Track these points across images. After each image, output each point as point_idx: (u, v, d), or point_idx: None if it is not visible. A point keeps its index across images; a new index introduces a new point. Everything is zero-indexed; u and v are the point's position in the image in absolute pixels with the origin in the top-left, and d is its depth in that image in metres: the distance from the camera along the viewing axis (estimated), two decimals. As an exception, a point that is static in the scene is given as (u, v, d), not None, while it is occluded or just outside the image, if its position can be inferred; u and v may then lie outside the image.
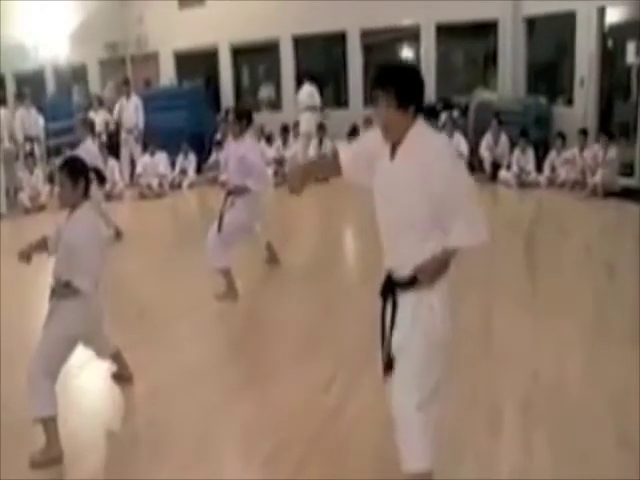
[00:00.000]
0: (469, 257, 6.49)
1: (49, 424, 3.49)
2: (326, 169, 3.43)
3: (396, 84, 2.67)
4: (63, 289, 3.56)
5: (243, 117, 5.99)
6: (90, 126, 8.18)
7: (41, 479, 3.34)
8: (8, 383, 4.13)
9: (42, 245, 3.84)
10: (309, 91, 12.10)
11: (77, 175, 3.68)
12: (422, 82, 2.74)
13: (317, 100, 12.16)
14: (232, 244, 5.86)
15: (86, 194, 3.70)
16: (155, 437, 3.67)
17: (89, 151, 7.82)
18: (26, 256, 3.76)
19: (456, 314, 4.85)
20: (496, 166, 10.81)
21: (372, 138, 2.84)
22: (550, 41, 12.01)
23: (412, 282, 2.72)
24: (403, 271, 2.73)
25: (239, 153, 5.87)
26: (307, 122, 12.06)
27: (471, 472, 3.14)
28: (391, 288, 2.79)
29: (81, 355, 3.95)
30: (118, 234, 8.35)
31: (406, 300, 2.74)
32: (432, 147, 2.67)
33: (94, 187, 7.89)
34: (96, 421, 3.97)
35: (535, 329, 4.78)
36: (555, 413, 3.62)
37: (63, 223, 3.72)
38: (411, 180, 2.64)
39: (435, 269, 2.70)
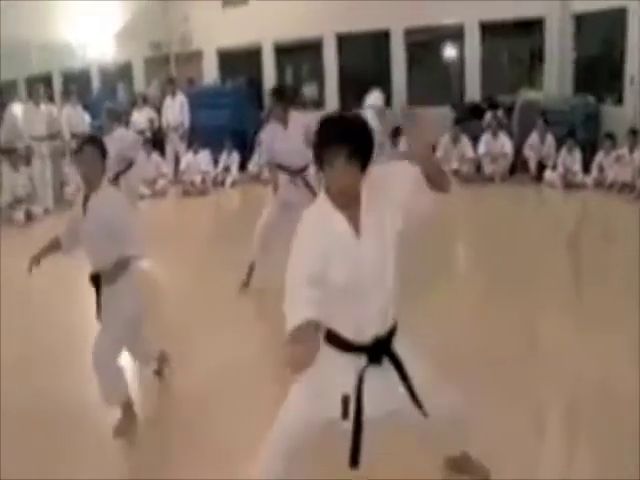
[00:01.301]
0: (512, 263, 6.45)
1: (125, 406, 3.72)
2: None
3: (356, 140, 2.36)
4: (114, 270, 3.56)
5: (282, 95, 5.96)
6: (117, 116, 8.17)
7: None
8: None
9: (55, 246, 3.85)
10: (376, 95, 12.22)
11: (103, 154, 3.71)
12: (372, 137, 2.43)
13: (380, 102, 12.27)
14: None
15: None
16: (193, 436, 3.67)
17: (123, 139, 7.89)
18: (35, 261, 3.76)
19: (499, 318, 4.87)
20: (541, 166, 10.63)
21: (313, 245, 2.38)
22: (599, 38, 11.73)
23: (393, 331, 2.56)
24: (384, 328, 2.52)
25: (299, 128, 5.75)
26: (371, 120, 12.11)
27: (515, 472, 3.09)
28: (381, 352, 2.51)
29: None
30: None
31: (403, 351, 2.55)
32: (379, 189, 2.42)
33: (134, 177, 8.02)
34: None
35: (580, 334, 4.66)
36: (600, 416, 3.55)
37: (79, 214, 3.70)
38: (385, 250, 2.45)
39: None
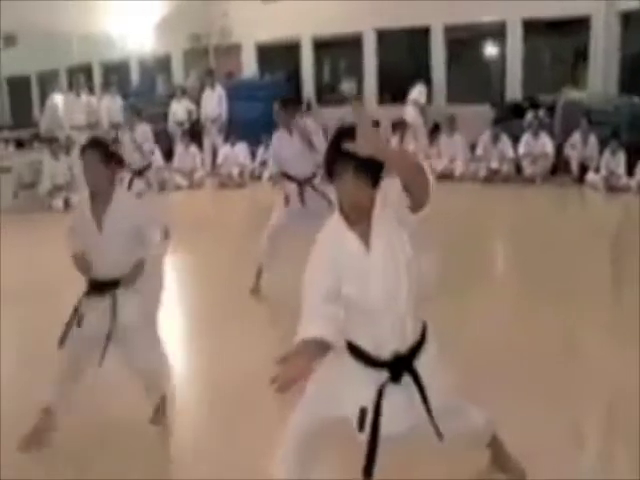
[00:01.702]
0: (551, 267, 6.31)
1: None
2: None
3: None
4: (134, 272, 3.41)
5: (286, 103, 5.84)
6: (138, 112, 8.36)
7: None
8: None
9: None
10: (420, 90, 12.31)
11: (107, 158, 3.45)
12: None
13: (423, 97, 12.37)
14: None
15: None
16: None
17: (145, 133, 8.08)
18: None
19: (539, 325, 4.77)
20: (583, 168, 10.43)
21: (326, 263, 2.37)
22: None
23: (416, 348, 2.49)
24: (404, 344, 2.45)
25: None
26: (411, 116, 12.24)
27: (551, 476, 3.03)
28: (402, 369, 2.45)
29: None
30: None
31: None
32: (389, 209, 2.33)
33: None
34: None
35: (618, 339, 4.51)
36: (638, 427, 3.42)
37: (90, 229, 3.43)
38: (397, 265, 2.35)
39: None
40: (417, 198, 2.22)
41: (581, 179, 10.33)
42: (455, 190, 10.54)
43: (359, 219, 2.36)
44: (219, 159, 11.96)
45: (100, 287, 3.45)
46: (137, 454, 3.47)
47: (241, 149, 11.80)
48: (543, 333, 4.65)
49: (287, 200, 5.76)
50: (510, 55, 12.78)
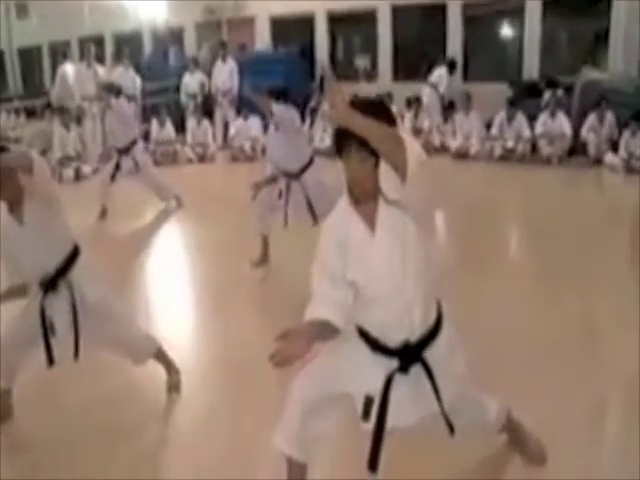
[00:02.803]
0: (568, 249, 6.18)
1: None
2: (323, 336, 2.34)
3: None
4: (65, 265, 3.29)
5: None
6: (117, 90, 7.93)
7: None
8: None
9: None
10: (441, 74, 12.19)
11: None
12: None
13: (443, 81, 12.22)
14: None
15: None
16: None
17: (121, 107, 7.73)
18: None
19: (555, 309, 4.66)
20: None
21: (332, 247, 2.30)
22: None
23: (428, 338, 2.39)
24: (413, 334, 2.35)
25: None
26: (427, 96, 12.16)
27: (571, 461, 2.97)
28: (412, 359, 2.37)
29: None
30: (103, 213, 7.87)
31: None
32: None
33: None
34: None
35: (637, 322, 4.34)
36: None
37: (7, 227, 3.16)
38: (404, 248, 2.25)
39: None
40: (399, 170, 2.11)
41: (599, 160, 10.15)
42: (470, 169, 10.42)
43: (364, 199, 2.27)
44: (231, 132, 11.83)
45: (52, 283, 3.29)
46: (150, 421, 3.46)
47: (254, 122, 11.65)
48: (559, 317, 4.56)
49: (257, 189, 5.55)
50: (528, 34, 12.52)
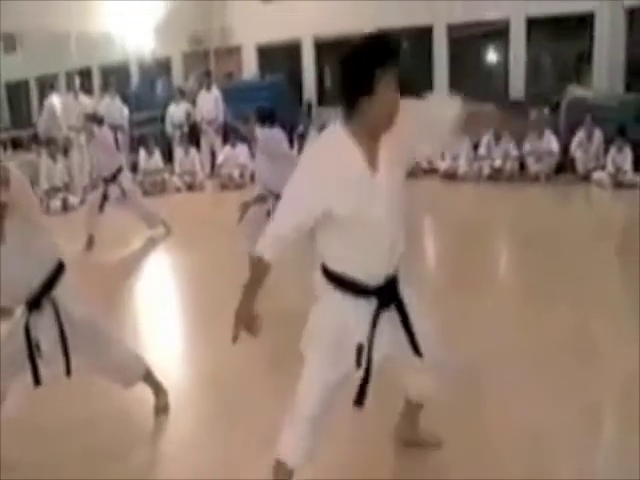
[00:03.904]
0: (558, 265, 6.16)
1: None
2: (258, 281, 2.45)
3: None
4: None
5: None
6: (100, 120, 7.87)
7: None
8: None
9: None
10: None
11: None
12: None
13: None
14: None
15: None
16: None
17: (105, 137, 7.69)
18: None
19: (546, 323, 4.63)
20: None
21: (313, 181, 2.30)
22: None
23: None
24: (392, 266, 2.48)
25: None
26: None
27: (565, 471, 2.97)
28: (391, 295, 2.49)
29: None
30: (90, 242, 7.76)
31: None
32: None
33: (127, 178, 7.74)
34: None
35: (628, 338, 4.31)
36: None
37: None
38: (398, 184, 2.39)
39: None
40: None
41: (587, 177, 10.15)
42: (459, 189, 10.41)
43: (378, 136, 2.29)
44: (220, 160, 11.81)
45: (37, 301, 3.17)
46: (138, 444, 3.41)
47: (241, 150, 11.65)
48: (550, 330, 4.55)
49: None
50: (513, 54, 12.62)
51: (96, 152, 7.88)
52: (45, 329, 3.17)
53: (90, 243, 7.68)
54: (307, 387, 2.50)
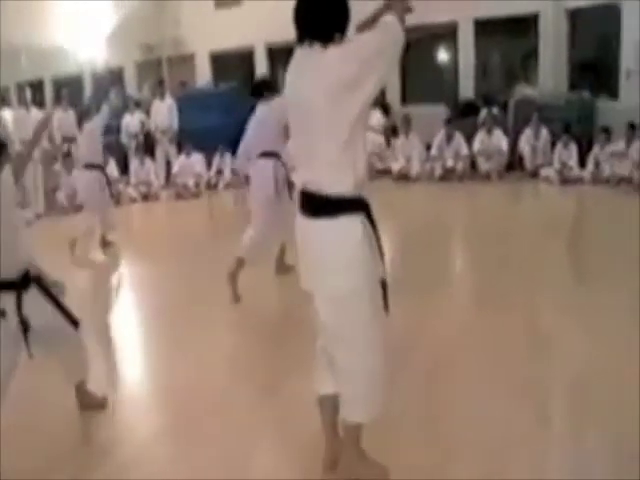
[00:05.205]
0: (509, 261, 6.31)
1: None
2: None
3: None
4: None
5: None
6: None
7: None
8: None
9: None
10: (377, 117, 12.11)
11: None
12: None
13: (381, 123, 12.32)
14: None
15: None
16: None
17: None
18: None
19: (496, 315, 4.75)
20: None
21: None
22: (594, 33, 11.64)
23: None
24: None
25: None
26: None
27: (522, 465, 2.99)
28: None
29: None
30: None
31: None
32: None
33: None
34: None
35: (580, 331, 4.48)
36: (607, 409, 3.41)
37: None
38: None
39: None
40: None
41: (535, 174, 10.41)
42: (412, 190, 10.57)
43: None
44: (174, 169, 11.80)
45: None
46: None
47: (197, 159, 11.68)
48: (504, 327, 4.61)
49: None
50: (462, 55, 12.86)
51: None
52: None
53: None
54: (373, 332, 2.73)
